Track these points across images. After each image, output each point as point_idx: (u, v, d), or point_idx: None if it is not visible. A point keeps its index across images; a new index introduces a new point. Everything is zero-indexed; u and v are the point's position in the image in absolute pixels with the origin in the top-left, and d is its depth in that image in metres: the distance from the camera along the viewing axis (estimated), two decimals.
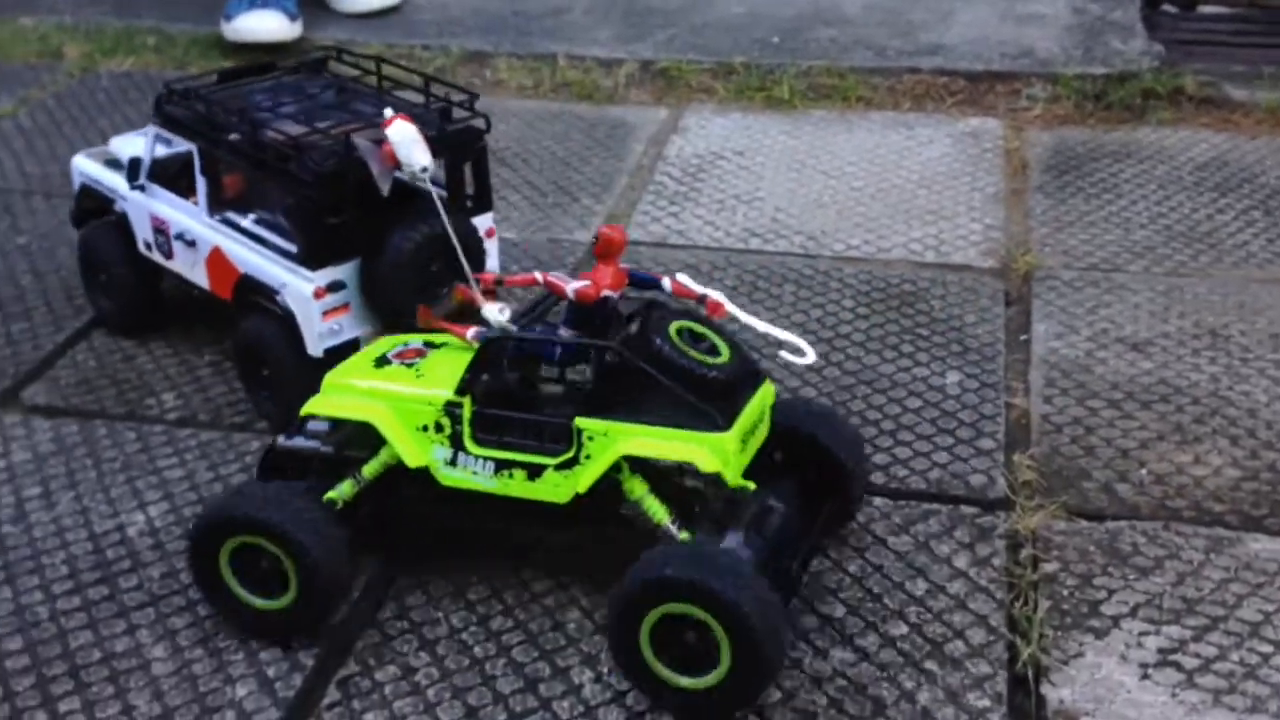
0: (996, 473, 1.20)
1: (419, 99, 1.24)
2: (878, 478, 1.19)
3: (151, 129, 1.31)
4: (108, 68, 2.14)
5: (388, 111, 1.11)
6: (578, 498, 0.94)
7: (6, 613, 1.05)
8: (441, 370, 0.99)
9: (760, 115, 1.98)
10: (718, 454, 0.91)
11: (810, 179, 1.79)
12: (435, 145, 1.13)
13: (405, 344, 1.04)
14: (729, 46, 2.12)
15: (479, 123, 1.22)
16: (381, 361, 1.02)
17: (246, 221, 1.25)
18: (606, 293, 0.97)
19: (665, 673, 0.90)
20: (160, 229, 1.33)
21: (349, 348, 1.18)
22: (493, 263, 1.28)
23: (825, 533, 1.06)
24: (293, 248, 1.19)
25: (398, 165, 1.08)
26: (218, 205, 1.27)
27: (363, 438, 1.00)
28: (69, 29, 2.24)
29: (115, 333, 1.43)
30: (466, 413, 0.95)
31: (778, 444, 1.02)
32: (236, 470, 1.20)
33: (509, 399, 0.96)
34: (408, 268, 1.14)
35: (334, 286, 1.16)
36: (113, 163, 1.40)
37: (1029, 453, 1.22)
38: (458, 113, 1.23)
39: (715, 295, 1.00)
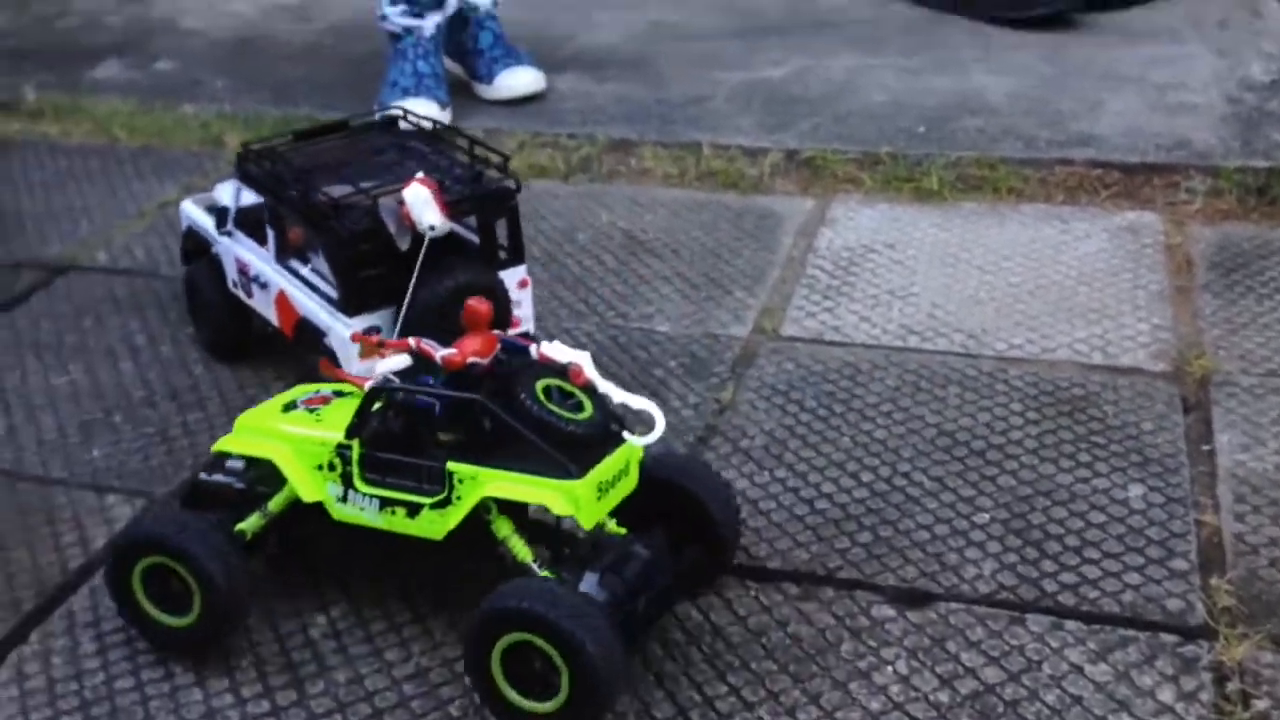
0: (1194, 597, 1.15)
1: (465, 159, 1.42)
2: (1067, 599, 1.16)
3: (234, 183, 1.49)
4: None
5: (419, 175, 1.27)
6: (452, 535, 1.05)
7: (198, 716, 1.07)
8: (338, 416, 1.10)
9: (909, 207, 1.96)
10: (569, 499, 1.01)
11: (965, 274, 1.77)
12: (466, 204, 1.32)
13: (316, 391, 1.17)
14: (874, 136, 2.12)
15: (510, 184, 1.38)
16: (289, 406, 1.14)
17: (305, 270, 1.41)
18: (472, 359, 1.07)
19: (512, 695, 1.01)
20: (243, 270, 1.50)
21: None
22: (526, 311, 1.42)
23: (692, 578, 1.14)
24: (335, 295, 1.35)
25: (414, 224, 1.23)
26: (283, 253, 1.44)
27: (272, 476, 1.12)
28: (229, 117, 2.31)
29: (210, 355, 1.59)
30: (355, 454, 1.07)
31: (647, 494, 1.11)
32: None
33: (394, 443, 1.07)
34: (434, 315, 1.28)
35: (369, 331, 1.29)
36: (214, 208, 1.57)
37: (1226, 576, 1.17)
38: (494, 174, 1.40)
39: (579, 363, 1.08)
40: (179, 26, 2.83)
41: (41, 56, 2.67)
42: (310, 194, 1.36)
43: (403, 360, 1.09)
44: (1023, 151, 2.03)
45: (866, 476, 1.35)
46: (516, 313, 1.41)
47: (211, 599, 1.07)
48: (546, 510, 1.04)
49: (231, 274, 1.53)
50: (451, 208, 1.29)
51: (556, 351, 1.08)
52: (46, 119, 2.40)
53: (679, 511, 1.13)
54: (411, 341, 1.09)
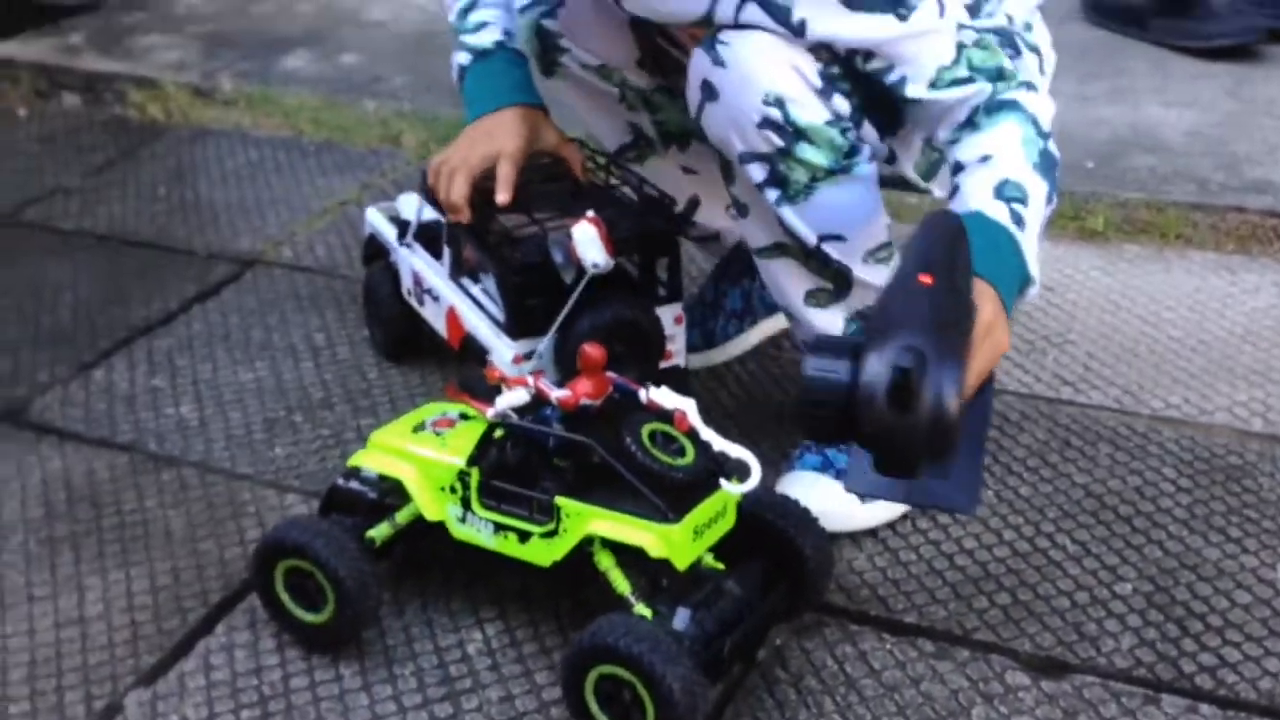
0: None
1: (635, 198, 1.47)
2: (1204, 681, 1.17)
3: (418, 197, 1.58)
4: None
5: (590, 213, 1.32)
6: (558, 563, 1.14)
7: None
8: (462, 441, 1.19)
9: (1072, 246, 1.95)
10: (665, 541, 1.09)
11: (1125, 323, 1.75)
12: (630, 243, 1.38)
13: (444, 413, 1.25)
14: None
15: (672, 225, 1.44)
16: (419, 427, 1.23)
17: (476, 289, 1.49)
18: (585, 401, 1.14)
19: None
20: (418, 281, 1.58)
21: None
22: (679, 345, 1.47)
23: (777, 616, 1.20)
24: (502, 318, 1.41)
25: (579, 260, 1.30)
26: (457, 271, 1.51)
27: (401, 490, 1.21)
28: (407, 115, 2.41)
29: (381, 356, 1.69)
30: (474, 480, 1.15)
31: (745, 531, 1.17)
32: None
33: (510, 472, 1.15)
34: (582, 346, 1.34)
35: (529, 355, 1.38)
36: (396, 219, 1.67)
37: None
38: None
39: (684, 409, 1.14)
40: (364, 17, 2.95)
41: (237, 43, 2.81)
42: (487, 222, 1.43)
43: (522, 396, 1.17)
44: (1195, 195, 2.00)
45: (1009, 535, 1.37)
46: (671, 347, 1.46)
47: (342, 599, 1.18)
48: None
49: (407, 283, 1.63)
50: (616, 245, 1.35)
51: (664, 397, 1.15)
52: (239, 108, 2.53)
53: (773, 549, 1.19)
54: (530, 380, 1.18)
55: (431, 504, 1.19)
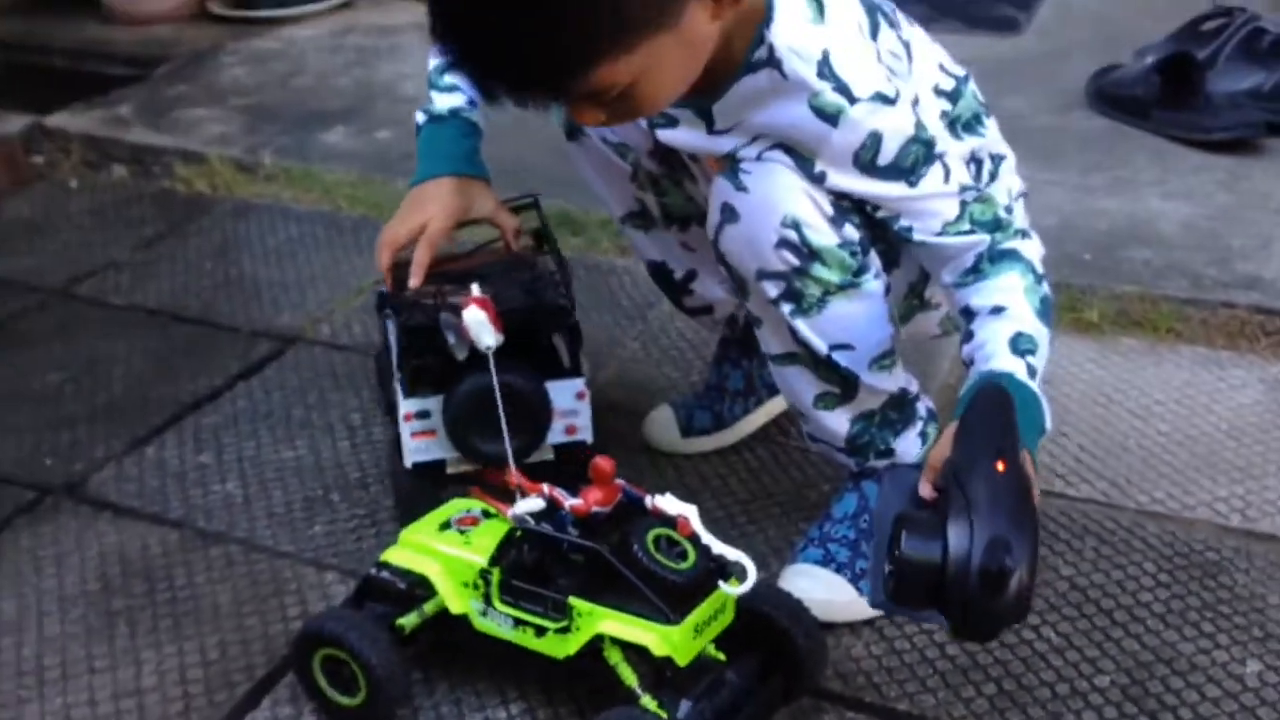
0: None
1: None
2: None
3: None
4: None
5: (475, 288, 1.42)
6: (571, 656, 1.26)
7: None
8: (484, 540, 1.31)
9: (1067, 338, 2.04)
10: (667, 642, 1.20)
11: (1117, 417, 1.85)
12: (519, 318, 1.46)
13: (468, 510, 1.37)
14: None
15: (565, 302, 1.53)
16: (445, 525, 1.35)
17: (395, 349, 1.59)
18: (595, 508, 1.27)
19: None
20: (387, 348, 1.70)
21: (437, 465, 1.54)
22: (583, 420, 1.55)
23: (775, 704, 1.30)
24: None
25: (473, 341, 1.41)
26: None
27: (428, 583, 1.32)
28: None
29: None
30: (495, 579, 1.29)
31: (743, 622, 1.28)
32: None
33: (527, 571, 1.27)
34: (469, 408, 1.47)
35: (421, 414, 1.49)
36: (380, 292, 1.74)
37: None
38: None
39: (687, 515, 1.25)
40: (398, 92, 3.08)
41: (278, 117, 2.95)
42: (400, 288, 1.53)
43: (538, 503, 1.29)
44: (1187, 290, 2.09)
45: None
46: (574, 421, 1.55)
47: (374, 686, 1.29)
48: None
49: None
50: (506, 318, 1.42)
51: (668, 504, 1.26)
52: (280, 183, 2.67)
53: (769, 639, 1.30)
54: (545, 488, 1.30)
55: (456, 598, 1.31)
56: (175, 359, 2.05)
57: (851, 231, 1.33)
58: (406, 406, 1.52)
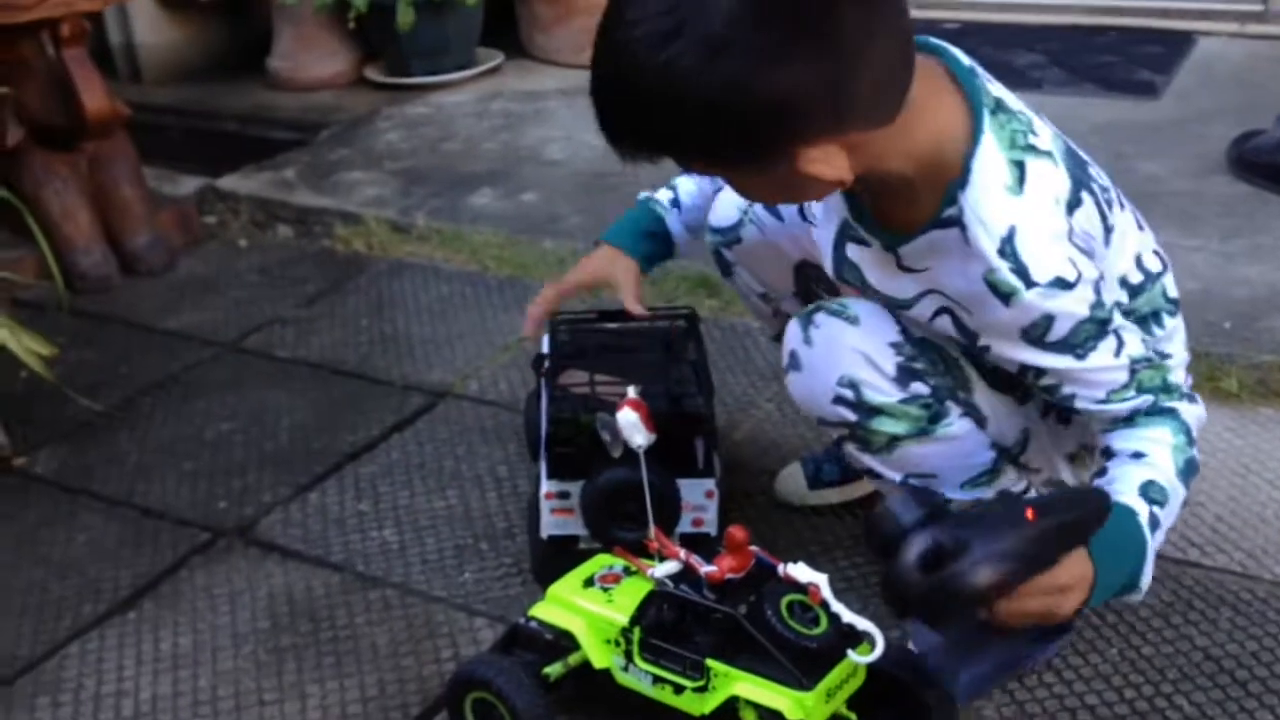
0: None
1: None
2: None
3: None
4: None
5: (631, 391, 1.51)
6: (707, 715, 1.30)
7: None
8: (625, 599, 1.37)
9: (1207, 407, 2.03)
10: (799, 707, 1.24)
11: (1254, 487, 1.85)
12: (667, 421, 1.53)
13: (610, 567, 1.43)
14: None
15: (702, 409, 1.61)
16: (589, 582, 1.41)
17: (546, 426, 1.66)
18: (729, 575, 1.32)
19: None
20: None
21: (571, 540, 1.62)
22: (710, 516, 1.62)
23: None
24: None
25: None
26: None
27: (573, 636, 1.39)
28: (582, 255, 2.61)
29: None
30: (636, 637, 1.34)
31: (874, 683, 1.31)
32: None
33: (667, 630, 1.34)
34: (602, 498, 1.55)
35: (561, 494, 1.59)
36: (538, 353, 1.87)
37: None
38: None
39: (817, 583, 1.28)
40: (543, 156, 3.22)
41: (429, 180, 3.11)
42: (556, 371, 1.68)
43: (676, 566, 1.37)
44: None
45: (1130, 693, 1.48)
46: (701, 515, 1.62)
47: None
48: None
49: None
50: (656, 422, 1.50)
51: (799, 572, 1.31)
52: (432, 243, 2.81)
53: (898, 698, 1.34)
54: (682, 553, 1.37)
55: (598, 654, 1.39)
56: (335, 411, 2.18)
57: (920, 387, 1.37)
58: (548, 486, 1.62)
